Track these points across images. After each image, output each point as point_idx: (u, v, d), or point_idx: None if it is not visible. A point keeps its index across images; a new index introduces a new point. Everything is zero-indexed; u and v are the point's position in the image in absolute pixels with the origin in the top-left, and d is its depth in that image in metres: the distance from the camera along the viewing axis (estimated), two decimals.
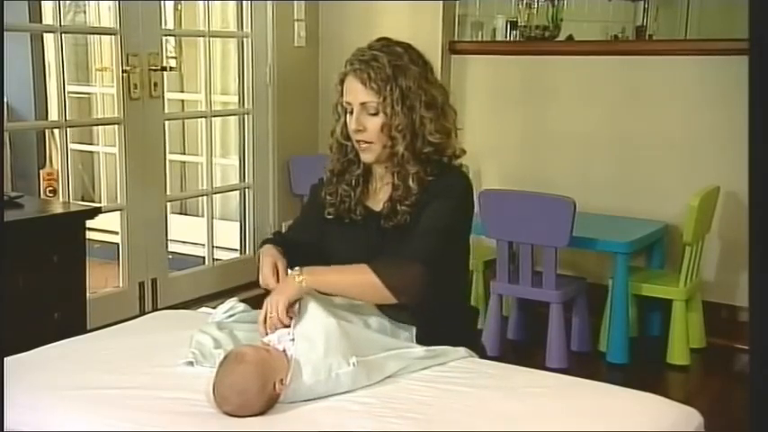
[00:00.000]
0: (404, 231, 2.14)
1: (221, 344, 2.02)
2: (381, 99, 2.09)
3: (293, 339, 1.88)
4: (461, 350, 2.12)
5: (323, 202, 2.27)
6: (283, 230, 2.46)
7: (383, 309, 2.10)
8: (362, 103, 2.11)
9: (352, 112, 2.14)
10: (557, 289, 3.80)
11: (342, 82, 2.16)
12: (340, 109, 2.20)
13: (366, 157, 2.17)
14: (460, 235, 2.21)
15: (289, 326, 1.94)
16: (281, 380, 1.78)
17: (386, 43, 2.17)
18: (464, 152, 2.22)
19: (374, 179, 2.25)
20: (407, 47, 2.18)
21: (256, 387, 1.75)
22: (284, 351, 1.87)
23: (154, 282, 4.31)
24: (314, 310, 1.96)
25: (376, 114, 2.11)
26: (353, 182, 2.23)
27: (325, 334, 1.88)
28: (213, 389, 1.78)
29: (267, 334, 1.96)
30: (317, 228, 2.29)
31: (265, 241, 2.29)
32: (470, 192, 2.21)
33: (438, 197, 2.12)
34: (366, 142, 2.14)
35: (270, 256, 2.15)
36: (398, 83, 2.09)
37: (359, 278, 2.03)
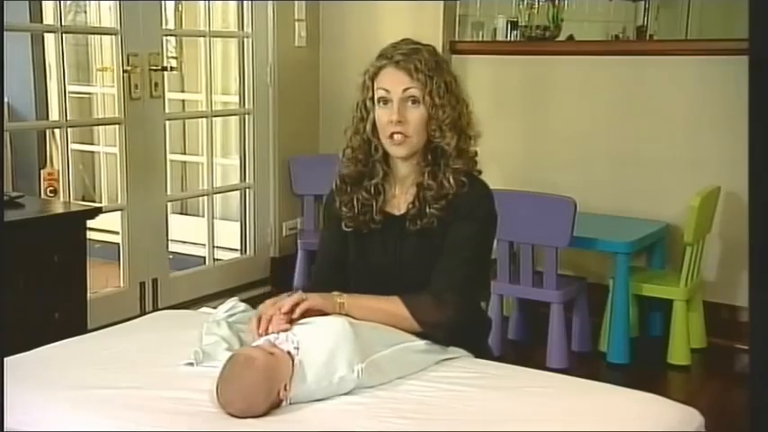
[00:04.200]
0: (427, 236, 2.09)
1: (230, 344, 2.01)
2: (428, 90, 2.04)
3: (297, 348, 1.86)
4: (461, 350, 2.12)
5: (338, 213, 2.19)
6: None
7: None
8: (405, 90, 2.04)
9: (386, 104, 2.07)
10: (557, 289, 3.80)
11: (374, 77, 2.09)
12: (369, 103, 2.11)
13: (400, 151, 2.09)
14: (487, 256, 2.19)
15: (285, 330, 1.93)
16: (286, 385, 1.78)
17: (415, 42, 2.13)
18: (476, 153, 2.19)
19: (394, 181, 2.17)
20: (434, 48, 2.15)
21: (263, 394, 1.76)
22: (289, 352, 1.86)
23: (154, 282, 4.31)
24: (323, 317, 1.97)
25: (417, 104, 2.05)
26: (373, 189, 2.15)
27: (332, 338, 1.87)
28: (217, 389, 1.78)
29: (259, 333, 1.95)
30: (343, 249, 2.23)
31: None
32: (493, 204, 2.16)
33: (465, 218, 2.08)
34: (404, 135, 2.06)
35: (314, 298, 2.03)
36: (442, 76, 2.07)
37: (394, 311, 2.03)
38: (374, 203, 2.15)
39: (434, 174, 2.09)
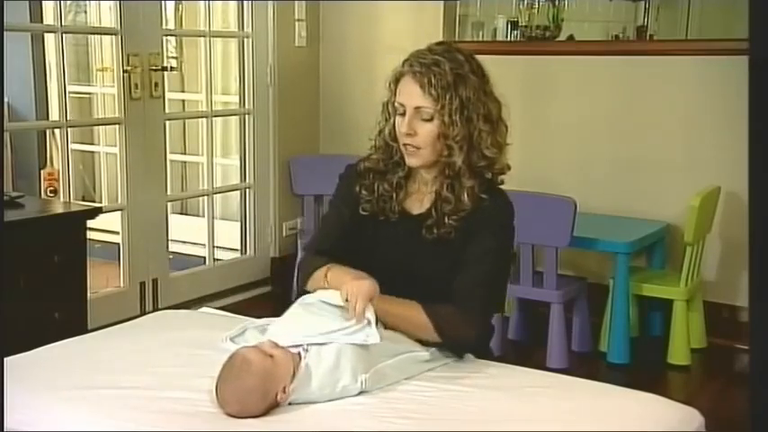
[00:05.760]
0: (444, 245, 2.08)
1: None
2: (439, 107, 2.01)
3: (307, 350, 1.86)
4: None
5: (356, 196, 2.18)
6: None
7: None
8: (417, 108, 2.04)
9: (403, 114, 2.06)
10: (557, 289, 3.80)
11: (396, 81, 2.08)
12: (390, 108, 2.12)
13: (412, 161, 2.09)
14: (506, 270, 2.20)
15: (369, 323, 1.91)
16: (284, 388, 1.78)
17: (448, 48, 2.10)
18: (509, 168, 2.17)
19: (416, 181, 2.16)
20: (469, 55, 2.11)
21: (258, 398, 1.76)
22: (295, 354, 1.85)
23: (155, 282, 4.32)
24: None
25: (430, 120, 2.03)
26: (395, 183, 2.15)
27: (336, 350, 1.87)
28: (216, 388, 1.79)
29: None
30: (352, 226, 2.19)
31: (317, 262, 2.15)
32: (513, 218, 2.18)
33: (486, 229, 2.08)
34: (414, 147, 2.06)
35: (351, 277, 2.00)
36: (458, 92, 2.02)
37: (415, 320, 2.01)
38: (394, 196, 2.15)
39: (453, 187, 2.09)
